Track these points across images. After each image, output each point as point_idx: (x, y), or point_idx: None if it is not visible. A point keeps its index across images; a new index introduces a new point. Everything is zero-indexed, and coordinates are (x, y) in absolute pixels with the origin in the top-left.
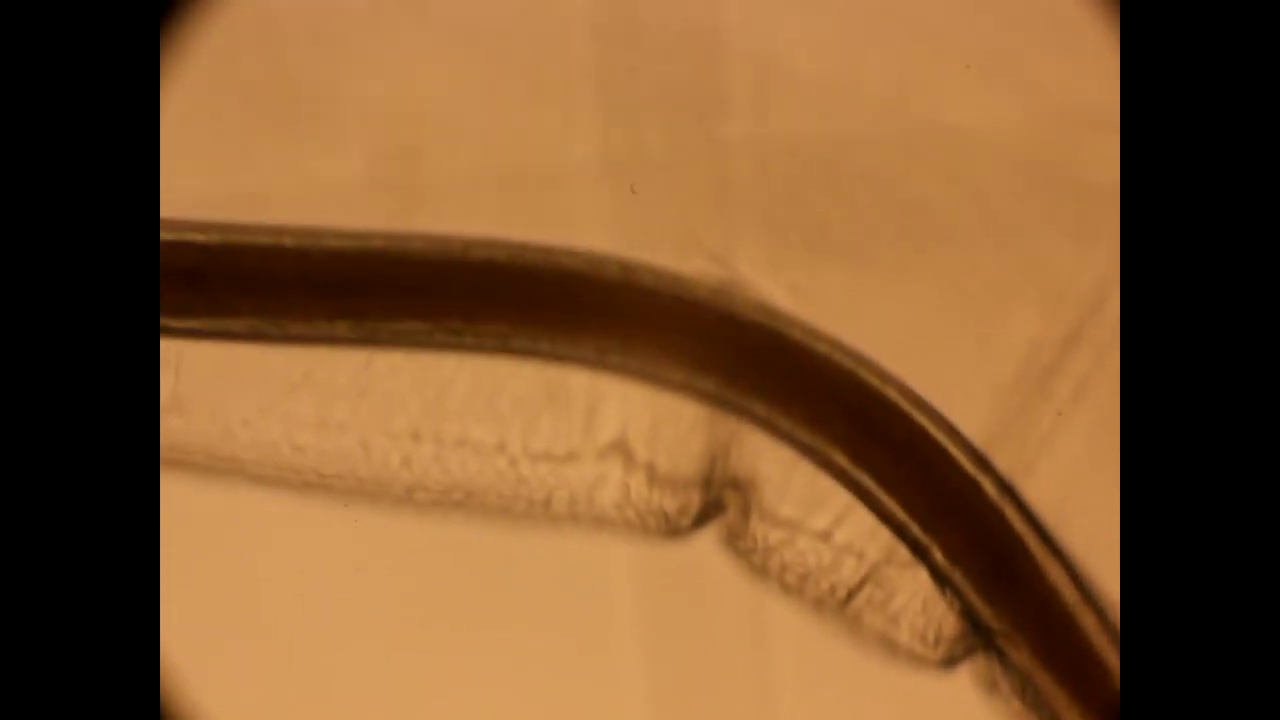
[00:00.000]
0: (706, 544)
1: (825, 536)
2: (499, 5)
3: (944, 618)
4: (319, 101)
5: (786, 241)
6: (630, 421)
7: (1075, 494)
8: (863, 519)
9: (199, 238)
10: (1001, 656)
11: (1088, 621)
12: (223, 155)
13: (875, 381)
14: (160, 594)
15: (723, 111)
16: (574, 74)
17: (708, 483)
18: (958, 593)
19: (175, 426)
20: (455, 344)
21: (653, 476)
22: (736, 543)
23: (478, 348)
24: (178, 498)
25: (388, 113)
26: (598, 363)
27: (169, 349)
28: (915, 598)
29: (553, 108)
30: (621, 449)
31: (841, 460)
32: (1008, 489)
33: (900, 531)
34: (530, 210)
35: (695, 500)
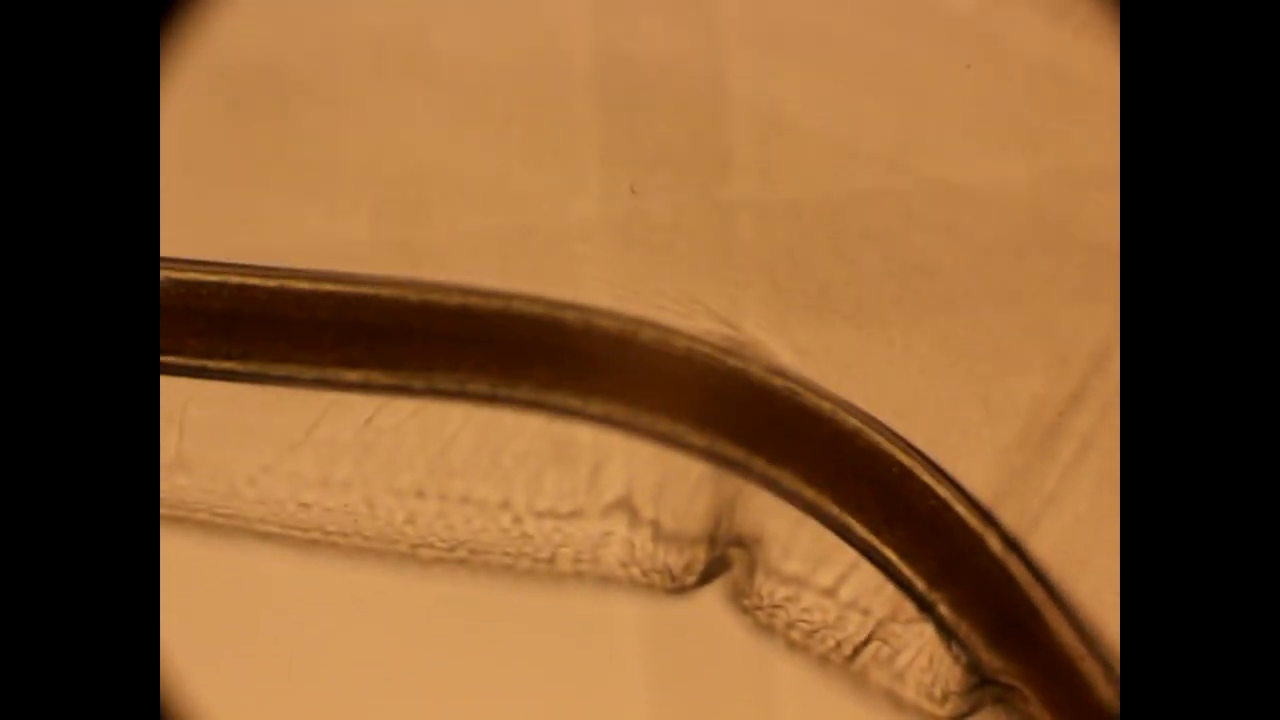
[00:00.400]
0: (712, 601)
1: (830, 593)
2: (502, 64)
3: (950, 673)
4: (321, 160)
5: (791, 301)
6: (635, 479)
7: (1080, 549)
8: (868, 575)
9: (238, 280)
10: (1009, 710)
11: (1094, 674)
12: (224, 214)
13: (880, 440)
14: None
15: (725, 171)
16: (577, 133)
17: (712, 540)
18: (964, 647)
19: (179, 484)
20: (461, 396)
21: (657, 534)
22: (742, 600)
23: (483, 400)
24: (179, 550)
25: (390, 171)
26: (603, 420)
27: (175, 405)
28: (921, 653)
29: (556, 167)
30: (626, 506)
31: (846, 518)
32: (1013, 544)
33: (906, 588)
34: (533, 269)
35: (700, 557)
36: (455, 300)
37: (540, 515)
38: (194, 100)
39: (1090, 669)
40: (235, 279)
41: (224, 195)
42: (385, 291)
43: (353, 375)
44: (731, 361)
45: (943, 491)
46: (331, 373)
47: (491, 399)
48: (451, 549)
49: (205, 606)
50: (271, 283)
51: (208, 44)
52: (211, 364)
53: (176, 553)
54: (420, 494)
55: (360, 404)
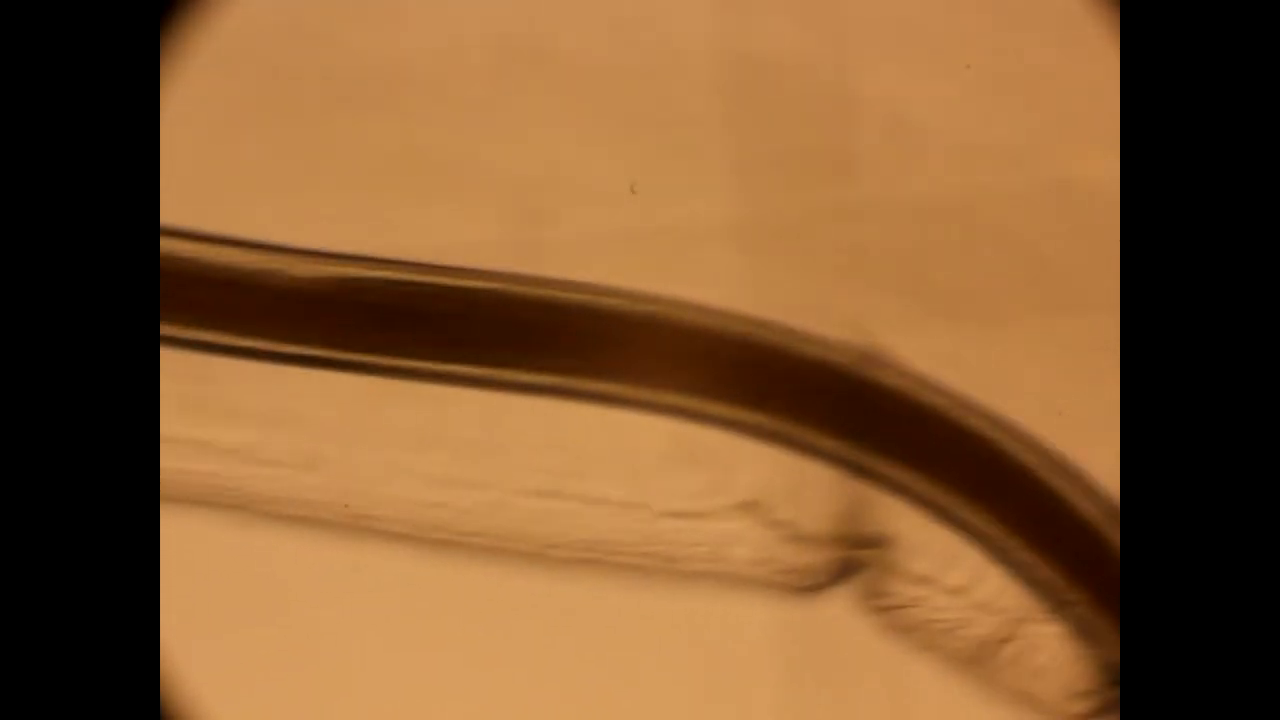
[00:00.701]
0: (843, 602)
1: (961, 593)
2: (627, 66)
3: (1083, 672)
4: (448, 162)
5: (919, 303)
6: (766, 480)
7: None
8: (999, 576)
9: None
10: None
11: None
12: (352, 214)
13: (1012, 442)
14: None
15: (852, 171)
16: (702, 134)
17: (842, 540)
18: (1097, 647)
19: (310, 484)
20: (592, 396)
21: (787, 534)
22: (872, 600)
23: (614, 402)
24: (311, 551)
25: (516, 173)
26: (732, 423)
27: (305, 405)
28: (1054, 653)
29: (681, 168)
30: (756, 507)
31: (977, 518)
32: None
33: (1038, 587)
34: (660, 271)
35: (830, 558)
36: (586, 300)
37: (671, 516)
38: (317, 100)
39: None
40: (384, 274)
41: (351, 195)
42: (517, 289)
43: (482, 372)
44: (860, 363)
45: (1074, 492)
46: (461, 369)
47: (622, 400)
48: (582, 549)
49: (338, 607)
50: (412, 277)
51: (331, 45)
52: (359, 358)
53: (308, 554)
54: (551, 494)
55: (489, 402)
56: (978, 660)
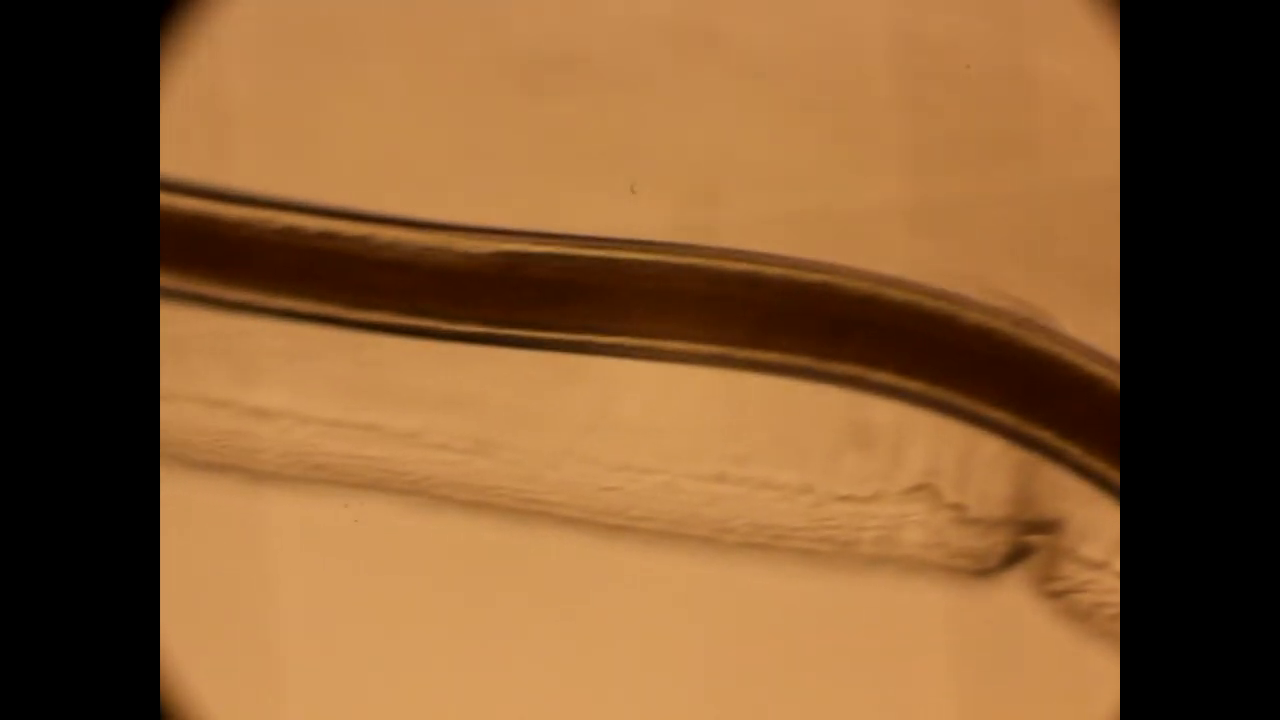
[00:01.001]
0: (1016, 586)
1: None
2: (800, 48)
3: None
4: (621, 144)
5: (1094, 283)
6: (938, 461)
7: None
8: None
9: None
10: None
11: None
12: (527, 202)
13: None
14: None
15: (1027, 152)
16: (874, 116)
17: (1016, 523)
18: None
19: (481, 468)
20: (772, 369)
21: (959, 516)
22: (1045, 583)
23: (796, 374)
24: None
25: (689, 155)
26: (917, 398)
27: (474, 390)
28: None
29: (854, 149)
30: (928, 489)
31: None
32: None
33: None
34: (830, 252)
35: (1003, 540)
36: (775, 273)
37: (842, 499)
38: (489, 82)
39: None
40: (564, 249)
41: (522, 178)
42: (700, 262)
43: (650, 344)
44: (1036, 343)
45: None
46: (638, 343)
47: (792, 371)
48: (753, 533)
49: (510, 592)
50: (591, 253)
51: (503, 28)
52: (538, 334)
53: (478, 539)
54: (721, 478)
55: (659, 383)
56: None
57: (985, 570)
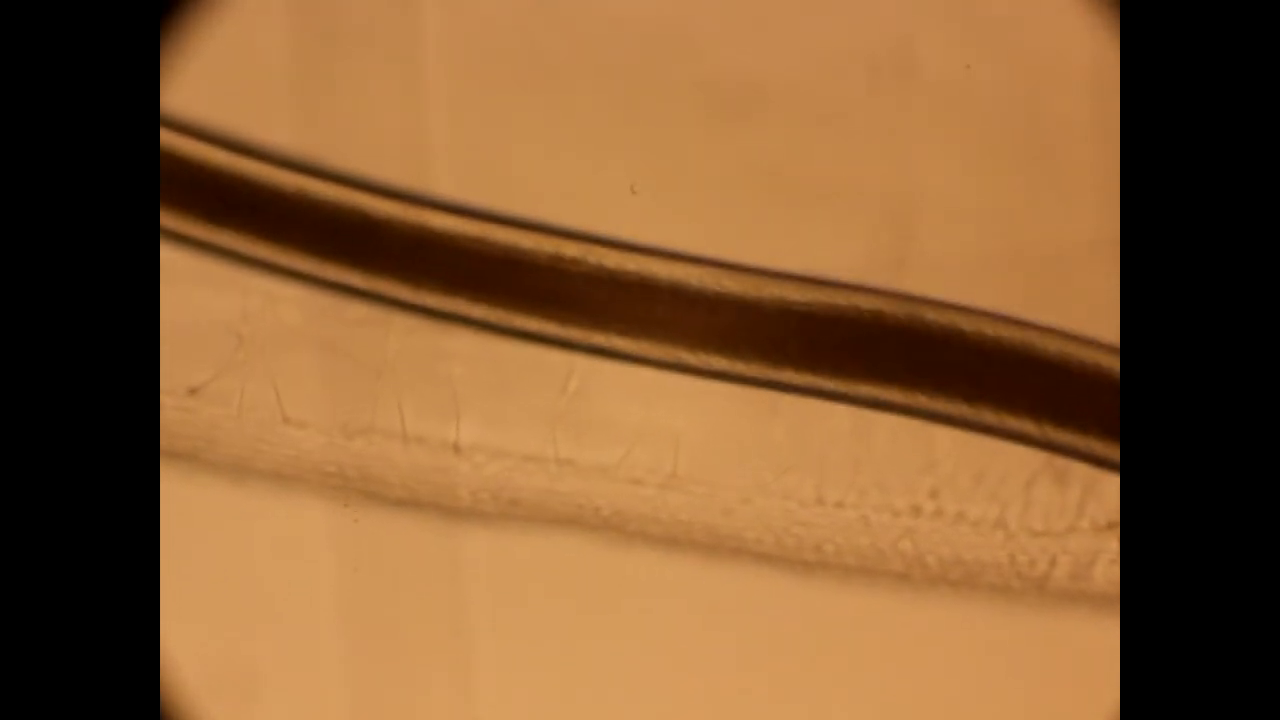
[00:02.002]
0: None
1: None
2: (998, 84)
3: None
4: (815, 177)
5: None
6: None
7: None
8: None
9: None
10: None
11: None
12: (726, 233)
13: None
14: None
15: None
16: (1072, 155)
17: None
18: None
19: (675, 503)
20: (951, 415)
21: None
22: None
23: (968, 424)
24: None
25: (886, 192)
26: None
27: (670, 428)
28: None
29: (1053, 188)
30: (1119, 526)
31: None
32: None
33: None
34: (1028, 291)
35: None
36: (947, 319)
37: (1032, 534)
38: (688, 112)
39: None
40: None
41: (718, 209)
42: (886, 306)
43: (844, 387)
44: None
45: None
46: (815, 381)
47: (980, 425)
48: (947, 568)
49: (705, 629)
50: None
51: (703, 58)
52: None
53: (671, 574)
54: (914, 513)
55: (852, 420)
56: None
57: None
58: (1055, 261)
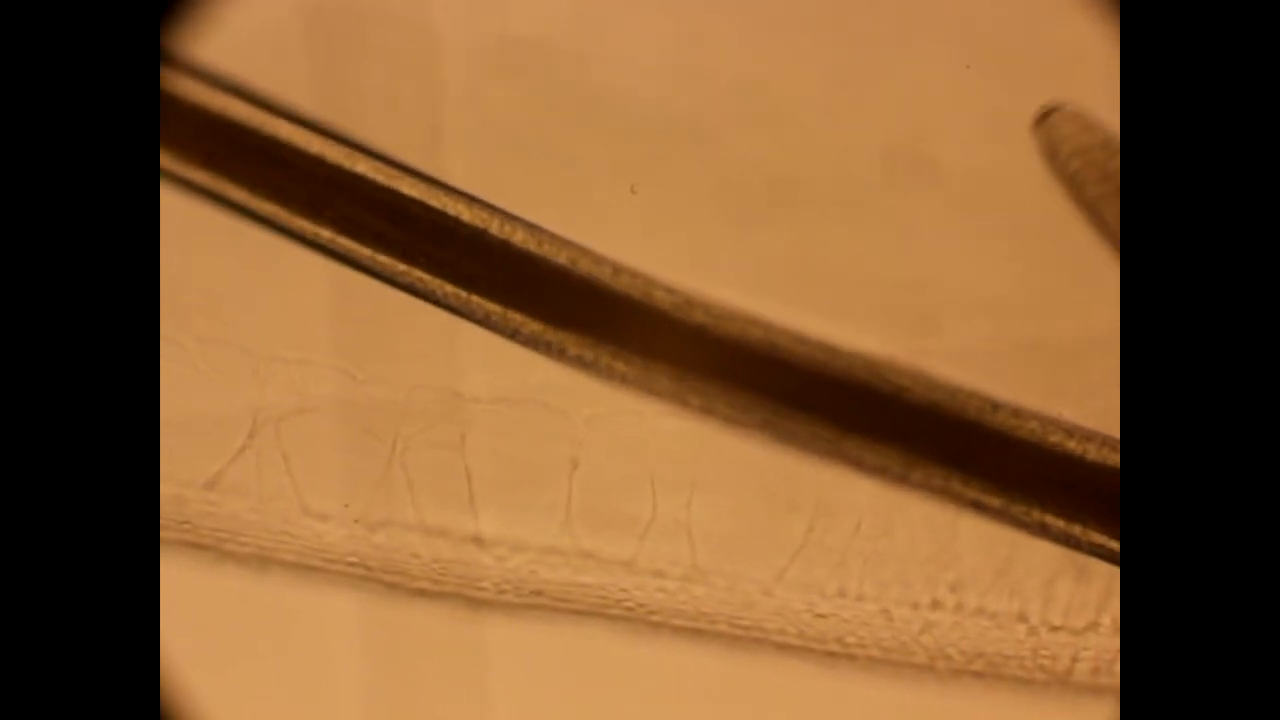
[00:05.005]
0: None
1: None
2: (1012, 174)
3: None
4: (833, 269)
5: None
6: None
7: None
8: None
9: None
10: None
11: None
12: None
13: None
14: None
15: None
16: (1091, 244)
17: None
18: None
19: (696, 594)
20: (973, 505)
21: None
22: None
23: (985, 511)
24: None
25: (903, 282)
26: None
27: (682, 518)
28: None
29: (1070, 277)
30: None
31: None
32: None
33: None
34: (1046, 381)
35: None
36: (973, 410)
37: (1055, 629)
38: (699, 207)
39: None
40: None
41: (737, 299)
42: (902, 390)
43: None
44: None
45: None
46: (847, 452)
47: (998, 514)
48: (969, 661)
49: (726, 718)
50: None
51: (718, 148)
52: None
53: (693, 666)
54: (933, 606)
55: (872, 512)
56: None
57: None
58: (1068, 353)
